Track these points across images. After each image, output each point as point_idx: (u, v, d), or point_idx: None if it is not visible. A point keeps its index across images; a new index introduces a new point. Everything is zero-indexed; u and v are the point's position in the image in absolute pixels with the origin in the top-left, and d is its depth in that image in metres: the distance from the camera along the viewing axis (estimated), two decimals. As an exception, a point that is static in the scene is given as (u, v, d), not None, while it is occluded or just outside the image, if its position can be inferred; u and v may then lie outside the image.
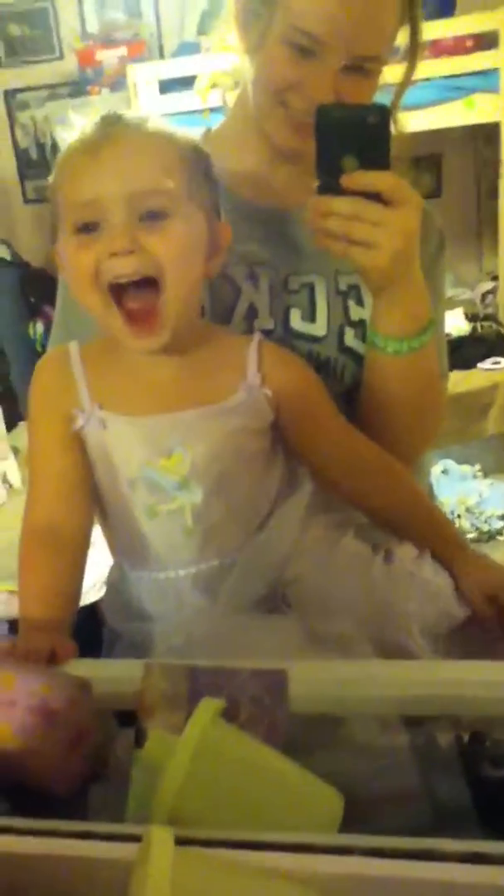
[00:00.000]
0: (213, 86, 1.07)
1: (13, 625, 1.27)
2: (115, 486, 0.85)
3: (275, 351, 0.87)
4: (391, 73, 0.98)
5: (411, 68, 0.96)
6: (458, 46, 2.67)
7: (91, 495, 0.87)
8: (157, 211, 0.76)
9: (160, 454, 0.81)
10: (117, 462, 0.84)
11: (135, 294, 0.77)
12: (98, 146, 0.76)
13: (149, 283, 0.76)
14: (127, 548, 0.88)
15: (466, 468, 2.60)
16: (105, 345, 0.86)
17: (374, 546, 0.87)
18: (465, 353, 2.65)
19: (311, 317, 0.97)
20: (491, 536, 2.38)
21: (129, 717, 0.64)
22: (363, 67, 0.87)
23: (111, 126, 0.78)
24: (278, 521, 0.86)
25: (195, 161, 0.80)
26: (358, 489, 0.89)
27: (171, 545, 0.84)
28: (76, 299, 0.82)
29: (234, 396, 0.83)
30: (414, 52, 0.95)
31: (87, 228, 0.76)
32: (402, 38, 0.94)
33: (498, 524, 2.38)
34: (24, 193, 4.17)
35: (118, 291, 0.77)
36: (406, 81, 0.97)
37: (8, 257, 3.85)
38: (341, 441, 0.89)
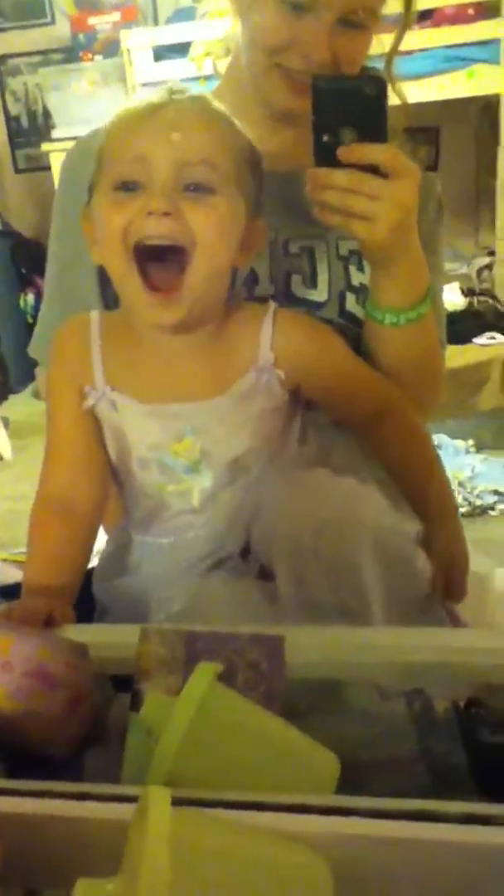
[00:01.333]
0: (207, 54, 1.05)
1: (3, 591, 1.28)
2: (125, 461, 0.86)
3: (290, 323, 0.85)
4: (389, 42, 0.97)
5: (403, 30, 0.95)
6: (459, 15, 2.63)
7: (106, 467, 0.87)
8: (203, 184, 0.75)
9: (171, 439, 0.82)
10: (128, 441, 0.84)
11: (160, 265, 0.76)
12: (158, 108, 0.76)
13: (176, 254, 0.75)
14: (134, 517, 0.89)
15: (460, 443, 2.60)
16: (124, 316, 0.85)
17: None
18: (460, 327, 2.64)
19: (312, 282, 0.96)
20: (483, 511, 2.38)
21: (125, 682, 0.64)
22: (357, 21, 0.86)
23: (175, 94, 0.78)
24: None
25: (249, 154, 0.80)
26: (372, 428, 0.88)
27: (178, 519, 0.84)
28: (100, 260, 0.81)
29: (244, 379, 0.83)
30: (407, 13, 0.94)
31: (127, 187, 0.75)
32: (397, 6, 0.93)
33: (490, 499, 2.39)
34: (14, 162, 4.12)
35: (143, 257, 0.75)
36: (397, 44, 0.96)
37: (-1, 227, 3.82)
38: (359, 387, 0.88)
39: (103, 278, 0.99)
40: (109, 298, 0.99)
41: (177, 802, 0.47)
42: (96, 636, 0.69)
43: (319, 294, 0.96)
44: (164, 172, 0.74)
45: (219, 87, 1.02)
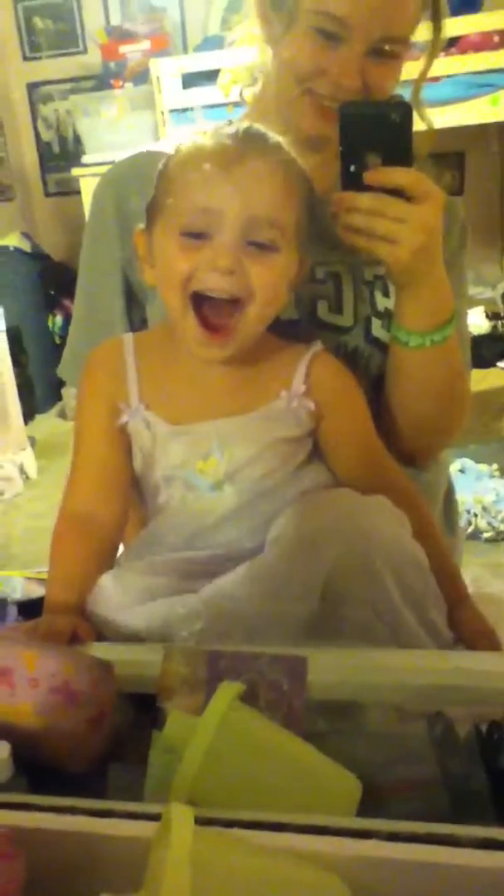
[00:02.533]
0: (235, 82, 1.08)
1: (22, 607, 1.29)
2: (150, 477, 0.87)
3: (328, 364, 0.88)
4: (416, 68, 0.98)
5: (431, 58, 0.97)
6: (484, 42, 2.65)
7: (130, 485, 0.88)
8: (267, 242, 0.78)
9: (198, 457, 0.83)
10: (156, 458, 0.85)
11: (216, 308, 0.79)
12: (233, 160, 0.76)
13: (233, 302, 0.78)
14: (145, 532, 0.89)
15: (484, 467, 2.59)
16: (160, 337, 0.87)
17: None
18: (484, 351, 2.64)
19: (337, 308, 0.97)
20: (507, 536, 2.37)
21: (147, 702, 0.65)
22: (388, 51, 0.88)
23: (251, 142, 0.78)
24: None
25: (308, 193, 0.82)
26: None
27: (186, 534, 0.84)
28: (154, 285, 0.83)
29: (275, 403, 0.84)
30: (435, 41, 0.95)
31: (194, 234, 0.77)
32: (425, 34, 0.95)
33: (514, 523, 2.37)
34: (45, 186, 4.20)
35: (200, 301, 0.78)
36: (425, 72, 0.98)
37: (28, 250, 3.88)
38: (371, 462, 0.88)
39: (130, 302, 1.01)
40: (135, 322, 1.01)
41: (197, 822, 0.47)
42: (120, 654, 0.70)
43: (345, 319, 0.97)
44: (233, 231, 0.76)
45: (247, 113, 1.04)
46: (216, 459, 0.82)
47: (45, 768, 0.61)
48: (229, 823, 0.51)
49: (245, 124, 0.81)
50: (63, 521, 0.87)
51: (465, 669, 0.69)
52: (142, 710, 0.65)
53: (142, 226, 0.85)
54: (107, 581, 0.79)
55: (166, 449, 0.84)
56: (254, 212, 0.76)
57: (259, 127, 0.81)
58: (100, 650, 0.71)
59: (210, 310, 0.79)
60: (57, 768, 0.62)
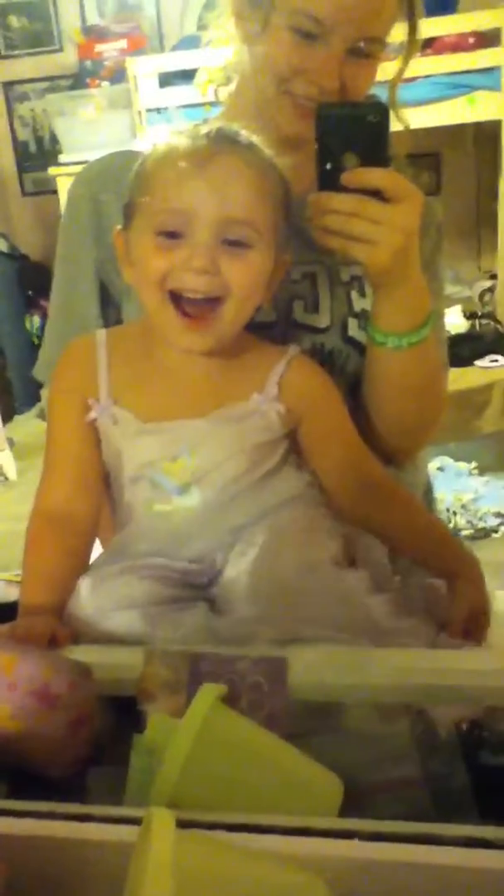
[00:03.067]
0: (211, 81, 1.07)
1: (2, 610, 1.28)
2: (119, 477, 0.86)
3: (304, 368, 0.88)
4: (392, 69, 0.99)
5: (407, 58, 0.97)
6: (460, 43, 2.67)
7: (102, 482, 0.88)
8: (242, 241, 0.78)
9: (165, 457, 0.82)
10: (124, 457, 0.84)
11: (194, 305, 0.79)
12: (206, 160, 0.77)
13: (210, 300, 0.79)
14: (118, 538, 0.88)
15: (463, 465, 2.61)
16: (134, 333, 0.87)
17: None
18: (462, 350, 2.66)
19: (314, 308, 0.97)
20: (486, 533, 2.38)
21: (127, 705, 0.64)
22: (365, 50, 0.88)
23: (224, 142, 0.79)
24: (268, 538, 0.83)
25: (284, 199, 0.82)
26: (361, 506, 0.88)
27: (157, 541, 0.83)
28: (132, 284, 0.84)
29: (245, 405, 0.84)
30: (411, 42, 0.95)
31: (169, 234, 0.78)
32: (401, 35, 0.95)
33: (493, 521, 2.39)
34: (22, 186, 4.17)
35: (177, 296, 0.79)
36: (401, 72, 0.98)
37: (6, 250, 3.85)
38: (353, 462, 0.88)
39: (105, 302, 1.00)
40: (110, 319, 1.00)
41: (179, 824, 0.47)
42: (100, 657, 0.69)
43: (321, 320, 0.97)
44: (207, 231, 0.76)
45: (223, 112, 1.04)
46: (185, 460, 0.82)
47: (24, 773, 0.60)
48: (211, 826, 0.51)
49: (218, 124, 0.81)
50: (37, 519, 0.86)
51: (446, 669, 0.69)
52: (122, 713, 0.65)
53: (119, 226, 0.84)
54: (85, 588, 0.78)
55: (134, 447, 0.84)
56: (227, 211, 0.76)
57: (232, 127, 0.81)
58: (79, 653, 0.70)
59: (188, 306, 0.79)
60: (36, 773, 0.61)
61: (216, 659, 0.64)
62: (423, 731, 0.62)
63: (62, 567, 0.82)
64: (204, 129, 0.80)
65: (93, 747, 0.63)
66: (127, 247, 0.83)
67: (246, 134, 0.81)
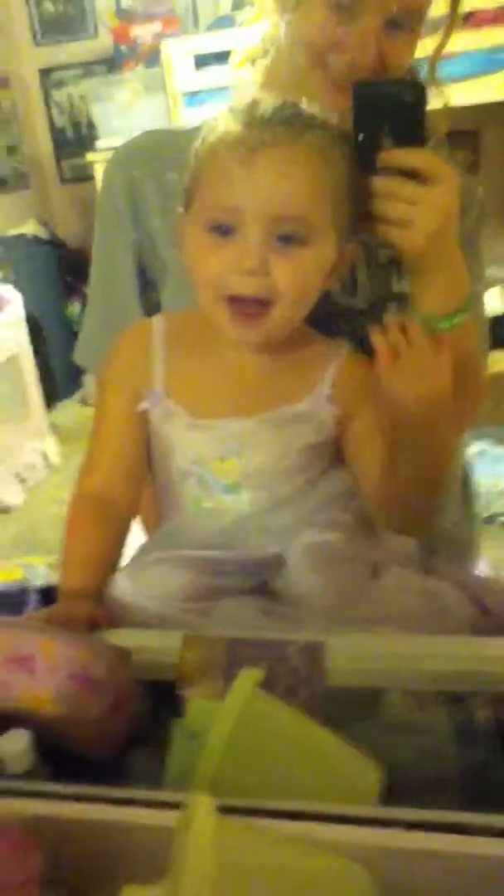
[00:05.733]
0: (248, 59, 1.05)
1: (44, 594, 1.30)
2: (167, 469, 0.86)
3: (356, 367, 0.85)
4: (432, 45, 0.96)
5: (448, 32, 0.95)
6: (498, 17, 2.60)
7: (144, 470, 0.88)
8: (295, 236, 0.75)
9: (215, 456, 0.82)
10: (174, 450, 0.85)
11: (246, 304, 0.77)
12: (258, 150, 0.73)
13: (261, 301, 0.77)
14: (164, 530, 0.89)
15: (502, 450, 2.56)
16: (193, 323, 0.86)
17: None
18: (502, 332, 2.61)
19: (352, 290, 0.96)
20: (525, 518, 2.35)
21: (166, 689, 0.65)
22: (404, 24, 0.85)
23: (280, 127, 0.74)
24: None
25: (349, 180, 0.78)
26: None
27: (204, 536, 0.84)
28: (193, 286, 0.81)
29: (298, 405, 0.83)
30: (453, 15, 0.93)
31: (221, 231, 0.76)
32: (441, 8, 0.92)
33: (532, 506, 2.35)
34: (60, 173, 4.18)
35: (233, 298, 0.77)
36: (441, 47, 0.96)
37: (45, 237, 3.87)
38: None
39: (143, 284, 1.00)
40: (150, 302, 1.00)
41: (219, 810, 0.47)
42: (138, 641, 0.70)
43: (360, 302, 0.96)
44: (257, 229, 0.74)
45: (259, 88, 1.02)
46: (234, 460, 0.82)
47: (66, 756, 0.61)
48: (250, 812, 0.51)
49: (277, 102, 0.76)
50: (78, 503, 0.87)
51: (485, 655, 0.68)
52: (161, 697, 0.65)
53: (181, 209, 0.83)
54: (124, 575, 0.79)
55: (184, 442, 0.84)
56: (280, 208, 0.74)
57: (291, 105, 0.77)
58: (118, 637, 0.71)
59: (240, 304, 0.77)
60: (78, 756, 0.62)
61: (254, 644, 0.64)
62: (462, 720, 0.62)
63: (100, 551, 0.83)
64: (260, 110, 0.76)
65: (132, 730, 0.64)
66: (183, 232, 0.81)
67: (308, 111, 0.77)
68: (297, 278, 0.76)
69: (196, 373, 0.84)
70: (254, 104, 0.77)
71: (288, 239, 0.75)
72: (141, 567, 0.80)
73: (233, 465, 0.82)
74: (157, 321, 0.88)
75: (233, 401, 0.83)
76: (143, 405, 0.84)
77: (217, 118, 0.78)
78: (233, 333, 0.79)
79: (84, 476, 0.88)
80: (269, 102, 0.77)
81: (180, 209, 0.83)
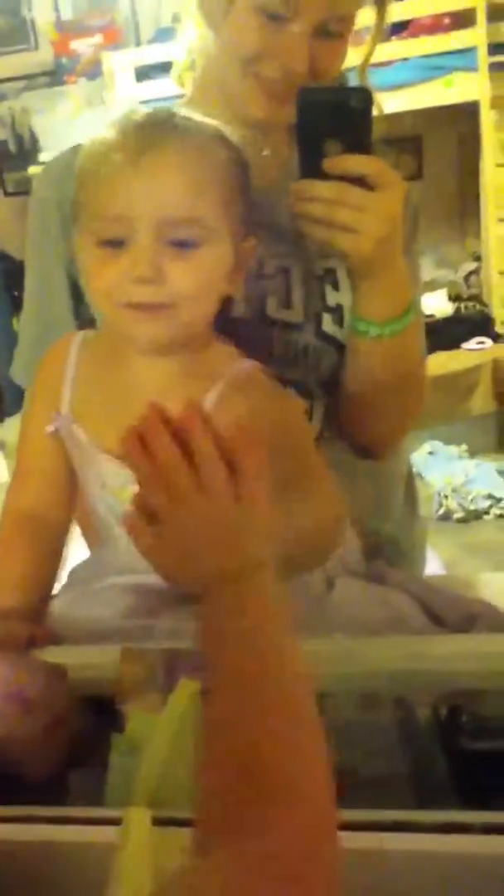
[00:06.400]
0: (183, 71, 1.05)
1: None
2: (84, 491, 0.85)
3: (240, 391, 0.78)
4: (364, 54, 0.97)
5: (375, 40, 0.95)
6: (435, 25, 2.65)
7: (73, 488, 0.86)
8: (188, 240, 0.72)
9: (116, 485, 0.79)
10: (82, 474, 0.83)
11: (146, 309, 0.74)
12: (137, 156, 0.70)
13: (162, 306, 0.74)
14: (94, 556, 0.89)
15: (453, 448, 2.60)
16: (105, 338, 0.83)
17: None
18: (449, 333, 2.65)
19: (287, 303, 0.95)
20: (478, 516, 2.39)
21: (105, 704, 0.64)
22: (334, 30, 0.85)
23: (157, 131, 0.72)
24: None
25: (238, 176, 0.76)
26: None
27: (125, 560, 0.81)
28: (90, 300, 0.79)
29: None
30: (379, 24, 0.93)
31: (111, 244, 0.72)
32: (369, 19, 0.94)
33: (484, 503, 2.39)
34: (3, 186, 4.14)
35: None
36: (369, 55, 0.96)
37: (-11, 251, 3.83)
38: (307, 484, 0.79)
39: (77, 297, 0.99)
40: (84, 318, 0.99)
41: (158, 822, 0.47)
42: (75, 657, 0.69)
43: (295, 315, 0.95)
44: (146, 234, 0.71)
45: (189, 99, 1.01)
46: (132, 489, 0.80)
47: (2, 777, 0.60)
48: (191, 823, 0.50)
49: (149, 110, 0.75)
50: (8, 522, 0.85)
51: (424, 654, 0.69)
52: (100, 713, 0.65)
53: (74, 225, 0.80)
54: (63, 603, 0.78)
55: (91, 468, 0.82)
56: (167, 212, 0.71)
57: (165, 110, 0.75)
58: (54, 654, 0.70)
59: (141, 311, 0.74)
60: (14, 777, 0.61)
61: (193, 655, 0.64)
62: (403, 719, 0.62)
63: (33, 570, 0.81)
64: (134, 117, 0.73)
65: (72, 749, 0.63)
66: (77, 249, 0.78)
67: (182, 114, 0.75)
68: (195, 280, 0.73)
69: (102, 396, 0.82)
70: (128, 114, 0.75)
71: (180, 243, 0.72)
72: (81, 593, 0.79)
73: (131, 493, 0.80)
74: (75, 339, 0.85)
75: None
76: (50, 427, 0.82)
77: (96, 134, 0.76)
78: (138, 332, 0.76)
79: (10, 495, 0.86)
80: (142, 111, 0.75)
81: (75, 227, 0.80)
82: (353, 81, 0.98)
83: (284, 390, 0.84)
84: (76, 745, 0.63)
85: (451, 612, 0.80)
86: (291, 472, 0.76)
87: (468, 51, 2.63)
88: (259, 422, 0.77)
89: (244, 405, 0.78)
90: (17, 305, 3.83)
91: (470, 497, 2.38)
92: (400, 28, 2.62)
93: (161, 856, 0.46)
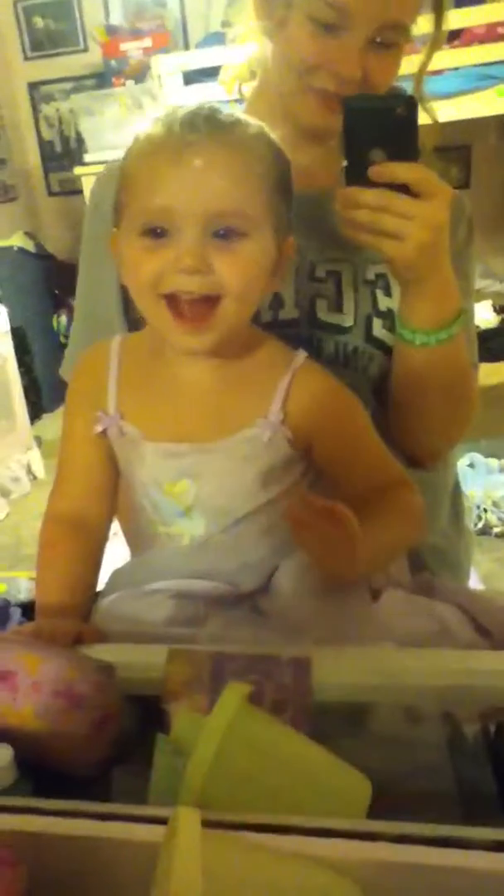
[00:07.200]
0: (236, 78, 1.06)
1: (26, 609, 1.28)
2: (128, 490, 0.86)
3: (310, 382, 0.81)
4: (419, 62, 0.97)
5: (432, 50, 0.95)
6: (489, 34, 2.63)
7: (116, 487, 0.88)
8: (233, 230, 0.73)
9: (168, 478, 0.81)
10: (130, 473, 0.84)
11: (190, 305, 0.74)
12: (184, 149, 0.72)
13: (207, 299, 0.74)
14: (140, 559, 0.89)
15: (493, 461, 2.57)
16: (147, 340, 0.84)
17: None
18: (494, 345, 2.62)
19: (337, 307, 0.96)
20: (517, 530, 2.36)
21: (152, 704, 0.64)
22: (388, 40, 0.86)
23: (202, 126, 0.73)
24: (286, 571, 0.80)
25: (279, 173, 0.77)
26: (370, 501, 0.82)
27: (168, 564, 0.83)
28: (133, 298, 0.79)
29: (249, 431, 0.80)
30: (437, 33, 0.93)
31: (155, 234, 0.73)
32: (427, 27, 0.93)
33: (524, 518, 2.36)
34: (48, 186, 4.19)
35: (172, 298, 0.75)
36: (426, 64, 0.96)
37: (32, 250, 3.88)
38: (370, 474, 0.82)
39: (126, 300, 1.00)
40: (133, 321, 1.00)
41: (205, 825, 0.47)
42: (123, 656, 0.69)
43: (345, 319, 0.96)
44: (193, 227, 0.72)
45: (246, 108, 1.03)
46: (186, 483, 0.80)
47: (50, 772, 0.61)
48: (237, 826, 0.50)
49: (195, 105, 0.75)
50: (52, 523, 0.86)
51: (474, 669, 0.68)
52: (147, 712, 0.65)
53: (115, 229, 0.81)
54: (106, 610, 0.78)
55: (140, 464, 0.82)
56: (213, 203, 0.72)
57: (211, 105, 0.75)
58: (103, 652, 0.70)
59: (184, 307, 0.74)
60: (62, 772, 0.61)
61: (240, 658, 0.64)
62: (451, 734, 0.61)
63: (77, 569, 0.83)
64: (180, 112, 0.74)
65: (117, 746, 0.63)
66: (118, 248, 0.79)
67: (228, 111, 0.75)
68: (241, 270, 0.73)
69: (149, 391, 0.83)
70: (173, 109, 0.75)
71: (226, 234, 0.73)
72: (126, 596, 0.80)
73: (185, 489, 0.80)
74: (114, 342, 0.87)
75: (186, 421, 0.81)
76: (98, 427, 0.83)
77: (140, 132, 0.77)
78: (179, 340, 0.76)
79: (54, 497, 0.88)
80: (187, 107, 0.75)
81: (114, 229, 0.80)
82: (407, 91, 0.98)
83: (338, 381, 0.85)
84: (122, 743, 0.63)
85: (499, 625, 0.79)
86: (354, 453, 0.82)
87: (521, 60, 2.60)
88: (335, 401, 0.82)
89: (317, 385, 0.81)
90: (57, 304, 3.88)
91: (510, 511, 2.35)
92: (453, 37, 2.60)
93: (208, 856, 0.46)
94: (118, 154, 1.07)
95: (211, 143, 0.72)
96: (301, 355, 0.83)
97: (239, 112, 0.78)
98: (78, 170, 3.20)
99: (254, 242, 0.74)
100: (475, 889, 0.48)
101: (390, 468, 0.84)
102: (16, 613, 1.22)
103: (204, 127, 0.73)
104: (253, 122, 0.77)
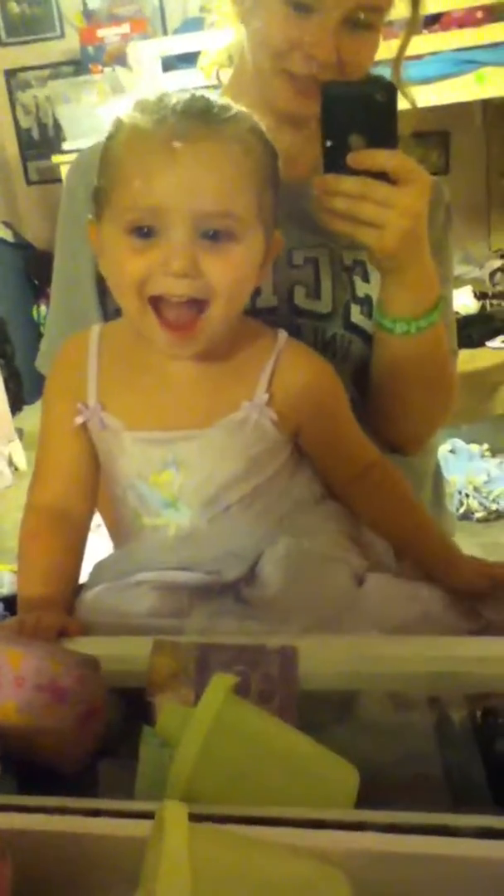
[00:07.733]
0: (214, 64, 1.05)
1: (7, 602, 1.28)
2: (111, 483, 0.85)
3: (295, 363, 0.81)
4: (397, 47, 0.96)
5: (409, 34, 0.94)
6: (467, 18, 2.62)
7: (96, 479, 0.87)
8: (223, 232, 0.71)
9: (152, 469, 0.80)
10: (112, 464, 0.83)
11: (177, 309, 0.73)
12: (177, 147, 0.69)
13: (194, 302, 0.73)
14: (122, 550, 0.88)
15: (474, 447, 2.59)
16: (126, 331, 0.83)
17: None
18: (473, 331, 2.64)
19: (315, 293, 0.95)
20: (499, 515, 2.38)
21: (137, 697, 0.64)
22: (363, 21, 0.84)
23: (198, 121, 0.70)
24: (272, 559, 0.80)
25: (271, 169, 0.76)
26: (362, 498, 0.86)
27: (152, 555, 0.82)
28: (115, 296, 0.78)
29: (235, 415, 0.79)
30: (414, 17, 0.93)
31: (142, 233, 0.71)
32: (405, 10, 0.92)
33: (506, 503, 2.38)
34: (26, 175, 4.15)
35: (158, 300, 0.73)
36: (403, 48, 0.95)
37: (11, 239, 3.85)
38: (353, 455, 0.84)
39: (103, 290, 0.98)
40: (110, 311, 0.99)
41: (192, 818, 0.46)
42: (107, 649, 0.69)
43: (323, 305, 0.95)
44: (182, 228, 0.70)
45: (223, 94, 1.01)
46: (171, 473, 0.79)
47: (34, 768, 0.60)
48: (224, 819, 0.50)
49: (186, 95, 0.72)
50: (33, 515, 0.85)
51: (460, 656, 0.68)
52: (132, 705, 0.64)
53: (90, 216, 0.78)
54: (89, 603, 0.78)
55: (123, 455, 0.81)
56: (204, 204, 0.70)
57: (202, 97, 0.73)
58: (87, 645, 0.69)
59: (170, 310, 0.73)
60: (47, 767, 0.61)
61: (226, 649, 0.63)
62: (438, 721, 0.61)
63: (60, 562, 0.82)
64: (171, 102, 0.71)
65: (103, 740, 0.62)
66: (99, 239, 0.76)
67: (221, 102, 0.73)
68: (231, 275, 0.72)
69: (130, 381, 0.82)
70: (163, 97, 0.73)
71: (216, 235, 0.71)
72: (110, 587, 0.79)
73: (170, 478, 0.79)
74: (93, 332, 0.85)
75: (169, 410, 0.80)
76: (79, 419, 0.82)
77: (125, 115, 0.74)
78: (165, 347, 0.75)
79: (34, 490, 0.87)
80: (178, 95, 0.73)
81: (90, 216, 0.78)
82: (385, 75, 0.97)
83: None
84: (106, 737, 0.63)
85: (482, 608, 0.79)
86: (339, 430, 0.84)
87: (500, 45, 2.60)
88: (319, 379, 0.83)
89: (302, 364, 0.82)
90: (37, 294, 3.85)
91: (491, 496, 2.37)
92: (432, 21, 2.60)
93: (195, 850, 0.46)
94: (97, 141, 1.06)
95: (207, 141, 0.70)
96: (283, 336, 0.83)
97: (230, 102, 0.75)
98: (56, 158, 3.17)
99: (243, 245, 0.73)
100: (464, 876, 0.48)
101: (369, 448, 0.86)
102: (-1, 607, 1.21)
103: (198, 123, 0.71)
104: (246, 113, 0.75)
